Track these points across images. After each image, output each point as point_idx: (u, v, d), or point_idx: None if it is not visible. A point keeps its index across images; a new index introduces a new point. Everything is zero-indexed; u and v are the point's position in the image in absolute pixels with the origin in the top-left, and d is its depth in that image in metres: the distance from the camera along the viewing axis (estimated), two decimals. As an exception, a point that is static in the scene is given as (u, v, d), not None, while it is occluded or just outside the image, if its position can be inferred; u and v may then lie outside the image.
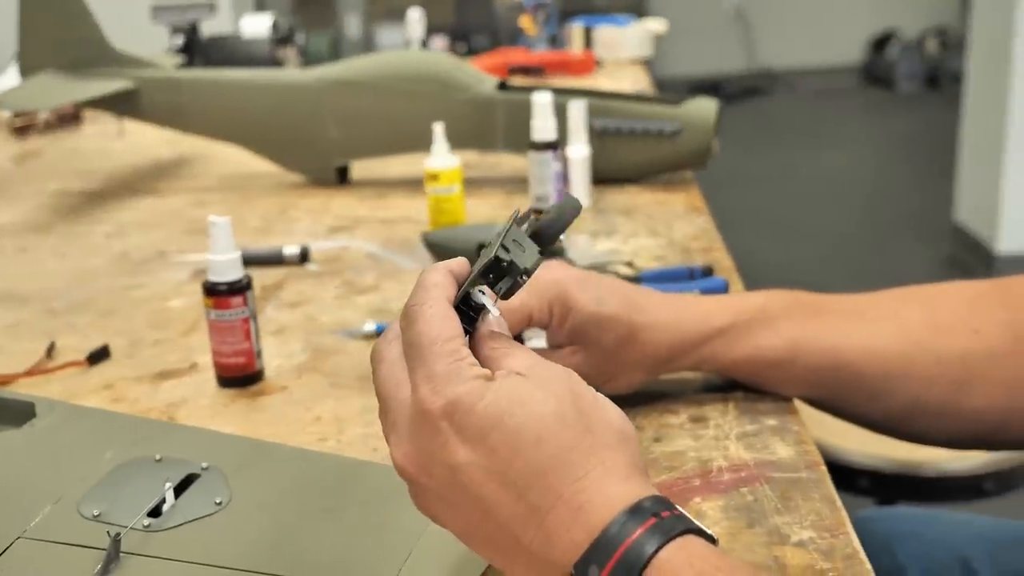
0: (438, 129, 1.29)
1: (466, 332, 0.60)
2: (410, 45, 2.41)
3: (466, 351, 0.55)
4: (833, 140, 5.81)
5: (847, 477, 1.42)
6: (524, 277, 0.58)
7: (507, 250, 0.58)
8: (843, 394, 0.85)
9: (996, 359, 0.83)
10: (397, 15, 6.90)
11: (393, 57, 1.56)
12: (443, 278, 0.58)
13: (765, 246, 4.19)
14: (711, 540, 0.51)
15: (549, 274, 0.83)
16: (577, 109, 1.39)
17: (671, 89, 6.95)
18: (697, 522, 0.51)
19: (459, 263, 0.60)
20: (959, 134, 4.16)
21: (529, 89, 1.46)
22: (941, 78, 6.69)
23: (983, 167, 3.95)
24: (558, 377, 0.55)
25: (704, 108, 1.45)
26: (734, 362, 0.85)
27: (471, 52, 6.40)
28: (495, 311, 0.60)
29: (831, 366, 0.84)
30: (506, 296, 0.59)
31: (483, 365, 0.56)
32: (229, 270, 0.92)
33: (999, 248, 3.78)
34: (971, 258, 3.83)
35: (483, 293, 0.60)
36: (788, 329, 0.84)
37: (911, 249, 4.05)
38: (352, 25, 7.10)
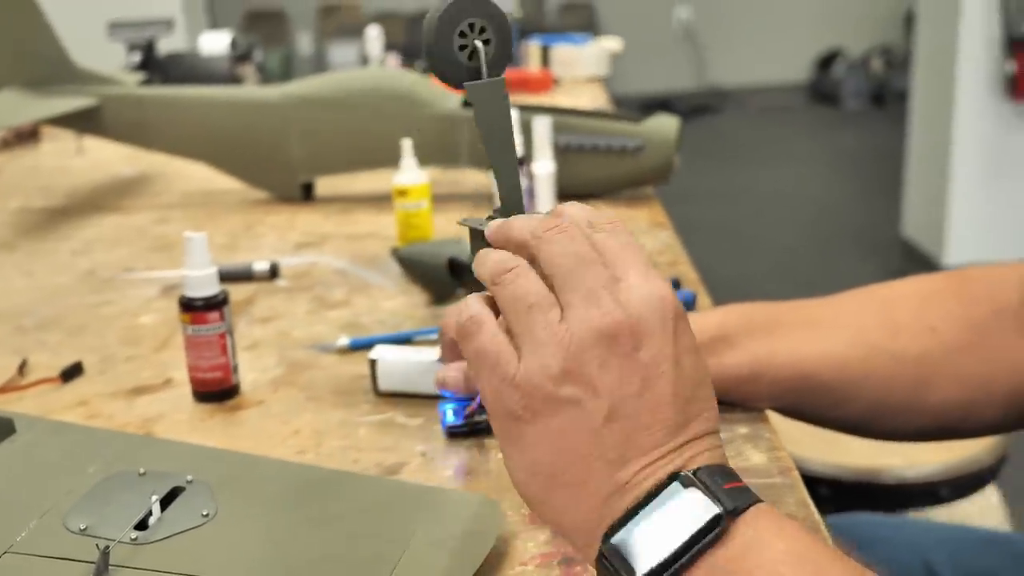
0: (407, 145, 1.30)
1: None
2: (369, 63, 2.42)
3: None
4: (781, 157, 5.87)
5: (807, 485, 1.43)
6: None
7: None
8: (808, 402, 0.87)
9: (953, 355, 0.84)
10: (349, 33, 6.89)
11: (357, 74, 1.56)
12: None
13: (717, 261, 4.22)
14: None
15: None
16: (542, 125, 1.40)
17: (622, 107, 7.00)
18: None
19: None
20: (905, 150, 4.22)
21: (493, 105, 1.47)
22: (886, 95, 6.79)
23: (928, 182, 4.01)
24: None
25: (666, 125, 1.47)
26: None
27: (425, 71, 6.40)
28: None
29: (794, 378, 0.85)
30: None
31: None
32: (206, 285, 0.92)
33: (946, 261, 3.84)
34: (918, 271, 3.85)
35: None
36: (749, 346, 0.86)
37: (859, 263, 4.11)
38: (304, 42, 7.10)
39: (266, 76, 6.24)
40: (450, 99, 1.50)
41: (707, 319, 0.89)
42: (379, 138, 1.44)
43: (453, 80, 0.62)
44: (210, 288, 0.92)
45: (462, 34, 0.61)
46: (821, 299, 0.90)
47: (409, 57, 6.57)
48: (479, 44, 0.61)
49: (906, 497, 1.43)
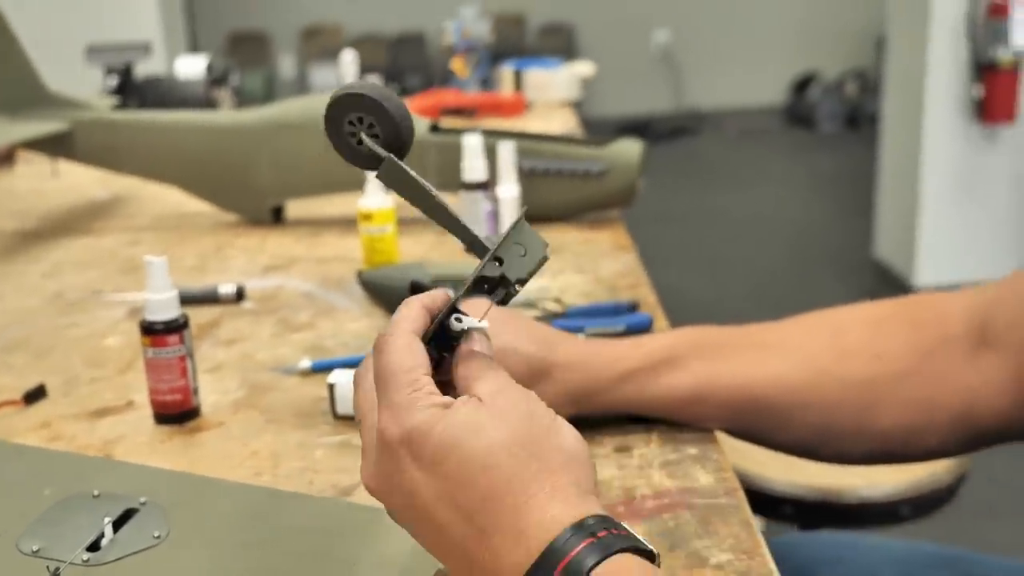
0: (371, 174, 1.31)
1: (447, 353, 0.62)
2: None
3: (425, 380, 0.58)
4: (758, 179, 5.90)
5: (771, 504, 1.44)
6: (518, 286, 0.61)
7: (500, 262, 0.61)
8: (756, 424, 0.87)
9: (899, 380, 0.85)
10: (331, 55, 6.90)
11: (325, 98, 1.57)
12: (413, 311, 0.61)
13: (692, 282, 4.24)
14: (651, 557, 0.54)
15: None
16: (507, 150, 1.41)
17: (601, 129, 7.01)
18: (642, 539, 0.53)
19: (434, 296, 0.63)
20: (877, 173, 4.25)
21: (460, 131, 1.48)
22: (860, 119, 6.83)
23: (899, 204, 4.04)
24: (516, 404, 0.57)
25: (629, 149, 1.48)
26: (648, 402, 0.87)
27: (404, 92, 6.43)
28: (482, 324, 0.63)
29: (741, 399, 0.86)
30: (503, 302, 0.62)
31: (459, 385, 0.59)
32: (166, 309, 0.92)
33: (916, 281, 3.87)
34: (890, 291, 3.88)
35: (460, 320, 0.62)
36: (697, 368, 0.87)
37: (833, 284, 4.13)
38: (286, 65, 7.11)
39: (248, 98, 6.25)
40: (419, 124, 1.51)
41: (656, 341, 0.90)
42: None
43: (359, 165, 0.66)
44: (170, 312, 0.93)
45: (351, 124, 0.64)
46: (771, 323, 0.91)
47: (391, 79, 6.60)
48: (364, 136, 0.64)
49: (867, 516, 1.43)
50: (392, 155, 0.65)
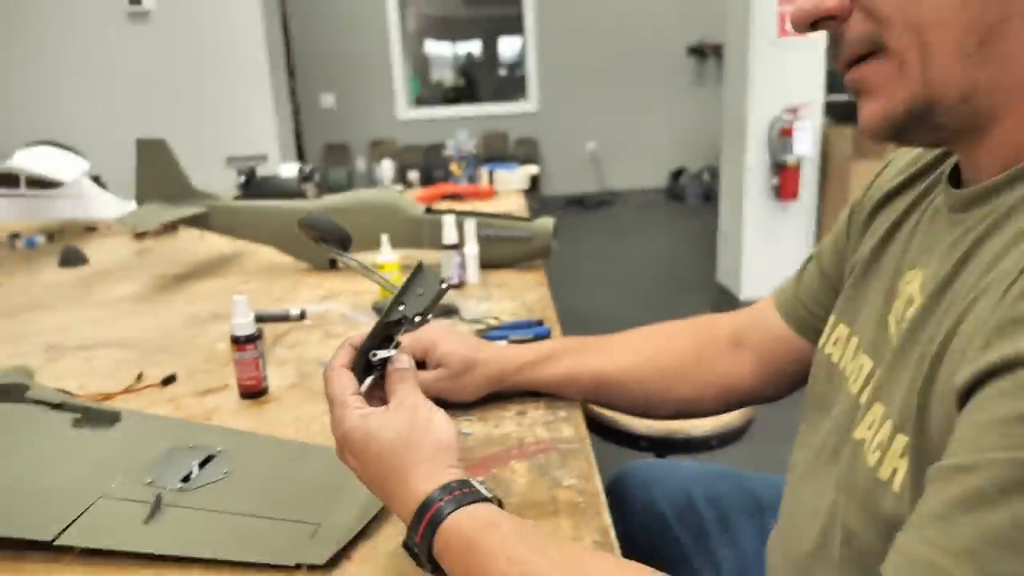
0: (384, 238, 1.32)
1: (378, 372, 0.63)
2: (384, 182, 2.42)
3: (352, 399, 0.60)
4: (648, 233, 5.90)
5: (634, 440, 1.44)
6: (418, 319, 0.61)
7: (403, 303, 0.61)
8: (605, 397, 0.88)
9: (688, 367, 0.86)
10: (387, 157, 6.92)
11: (364, 194, 1.57)
12: (343, 350, 0.63)
13: (603, 299, 4.24)
14: (499, 503, 0.55)
15: (429, 329, 0.85)
16: (470, 225, 1.42)
17: (554, 202, 7.05)
18: (486, 492, 0.54)
19: (359, 338, 0.64)
20: (718, 227, 4.27)
21: (443, 212, 1.49)
22: (712, 195, 6.79)
23: (731, 247, 4.05)
24: (406, 412, 0.59)
25: (546, 223, 1.48)
26: (537, 384, 0.88)
27: (430, 181, 6.44)
28: (398, 354, 0.63)
29: (595, 382, 0.87)
30: (411, 330, 0.63)
31: (388, 393, 0.61)
32: (245, 328, 0.93)
33: (743, 296, 3.87)
34: (726, 304, 3.92)
35: (375, 355, 0.62)
36: (566, 362, 0.88)
37: (690, 300, 4.12)
38: (361, 163, 7.09)
39: (335, 186, 6.25)
40: (419, 208, 1.52)
41: (546, 345, 0.91)
42: (377, 230, 1.44)
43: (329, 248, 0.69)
44: (248, 329, 0.94)
45: (315, 235, 0.68)
46: (618, 333, 0.91)
47: (424, 173, 6.55)
48: (323, 244, 0.68)
49: (693, 446, 1.43)
50: (343, 254, 0.66)
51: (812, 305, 0.78)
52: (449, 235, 1.38)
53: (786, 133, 3.54)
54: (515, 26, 7.06)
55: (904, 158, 0.70)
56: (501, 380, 0.87)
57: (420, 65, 7.98)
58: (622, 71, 7.04)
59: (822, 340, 0.70)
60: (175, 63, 4.24)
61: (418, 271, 0.62)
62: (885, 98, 0.51)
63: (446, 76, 8.77)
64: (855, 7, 0.51)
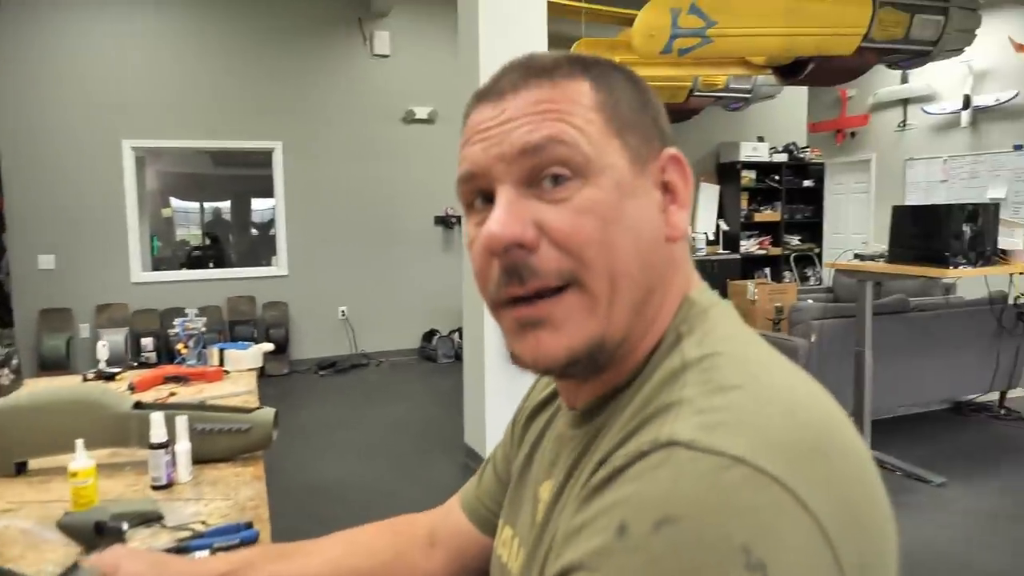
0: (79, 443, 1.24)
1: None
2: (99, 364, 2.26)
3: None
4: (400, 395, 5.96)
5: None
6: None
7: None
8: None
9: (384, 567, 0.88)
10: (117, 324, 6.40)
11: (62, 390, 1.46)
12: None
13: (353, 465, 4.16)
14: None
15: (109, 555, 0.82)
16: (181, 421, 1.38)
17: (306, 367, 6.90)
18: None
19: None
20: (464, 389, 4.43)
21: (152, 407, 1.43)
22: (461, 356, 7.08)
23: (475, 408, 4.21)
24: None
25: (266, 413, 1.48)
26: None
27: (169, 350, 6.02)
28: None
29: None
30: None
31: None
32: None
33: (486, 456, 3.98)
34: (473, 465, 4.01)
35: None
36: (266, 570, 0.87)
37: (439, 462, 4.18)
38: (84, 330, 6.48)
39: (49, 357, 5.61)
40: (127, 403, 1.45)
41: (242, 554, 0.89)
42: (75, 431, 1.34)
43: None
44: None
45: None
46: (316, 539, 0.91)
47: (162, 342, 6.12)
48: None
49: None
50: None
51: (490, 504, 0.86)
52: (158, 433, 1.33)
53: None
54: (267, 188, 7.11)
55: None
56: None
57: (162, 224, 7.69)
58: (375, 236, 7.30)
59: (495, 541, 0.78)
60: None
61: (73, 571, 0.62)
62: (571, 332, 0.56)
63: (192, 235, 8.50)
64: (542, 241, 0.56)
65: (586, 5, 5.96)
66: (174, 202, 8.17)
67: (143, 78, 6.45)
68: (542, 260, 0.55)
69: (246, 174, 7.51)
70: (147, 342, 6.28)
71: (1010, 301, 4.62)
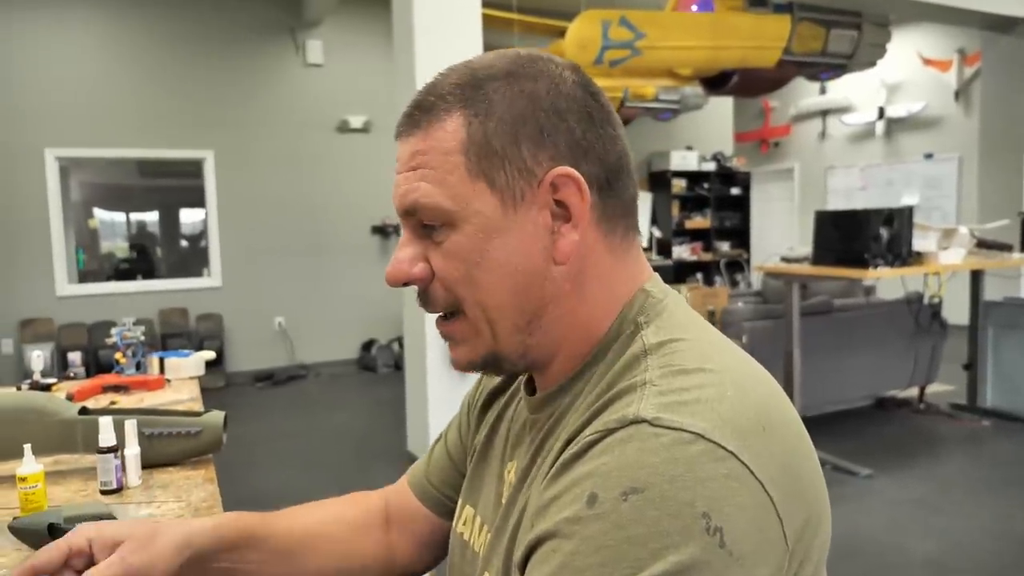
0: (27, 448, 1.22)
1: None
2: (34, 374, 2.20)
3: None
4: (340, 405, 5.91)
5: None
6: None
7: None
8: (299, 549, 0.86)
9: (351, 538, 0.89)
10: (42, 339, 6.16)
11: (5, 398, 1.43)
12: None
13: (295, 476, 4.12)
14: None
15: (82, 527, 0.81)
16: (130, 425, 1.37)
17: (243, 380, 6.77)
18: None
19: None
20: (407, 396, 4.43)
21: (99, 412, 1.42)
22: (401, 366, 7.03)
23: (418, 416, 4.23)
24: None
25: (216, 416, 1.47)
26: (233, 539, 0.82)
27: (98, 364, 5.85)
28: None
29: (288, 534, 0.86)
30: None
31: None
32: None
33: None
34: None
35: None
36: (254, 519, 0.84)
37: (384, 469, 4.17)
38: (7, 346, 6.22)
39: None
40: (71, 409, 1.43)
41: (221, 519, 0.86)
42: (23, 436, 1.32)
43: None
44: None
45: None
46: (291, 508, 0.91)
47: (90, 357, 5.94)
48: None
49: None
50: None
51: (439, 484, 0.90)
52: (106, 438, 1.32)
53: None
54: (197, 198, 6.97)
55: None
56: (189, 543, 0.80)
57: (87, 237, 7.44)
58: (311, 246, 7.23)
59: (455, 519, 0.82)
60: None
61: (54, 531, 0.64)
62: (467, 348, 0.67)
63: (119, 247, 8.26)
64: (434, 277, 0.65)
65: (519, 16, 6.05)
66: (99, 213, 7.92)
67: (67, 85, 6.25)
68: (433, 291, 0.65)
69: (175, 184, 7.34)
70: (75, 357, 6.07)
71: (925, 301, 4.89)
